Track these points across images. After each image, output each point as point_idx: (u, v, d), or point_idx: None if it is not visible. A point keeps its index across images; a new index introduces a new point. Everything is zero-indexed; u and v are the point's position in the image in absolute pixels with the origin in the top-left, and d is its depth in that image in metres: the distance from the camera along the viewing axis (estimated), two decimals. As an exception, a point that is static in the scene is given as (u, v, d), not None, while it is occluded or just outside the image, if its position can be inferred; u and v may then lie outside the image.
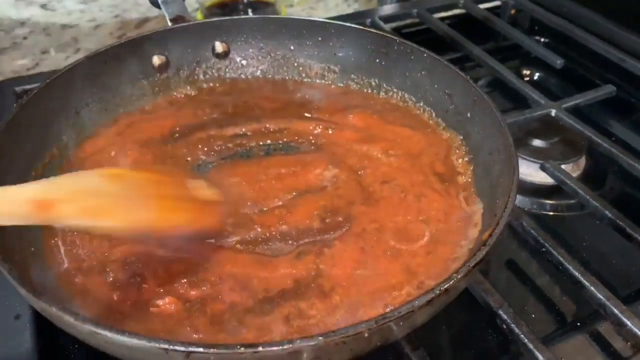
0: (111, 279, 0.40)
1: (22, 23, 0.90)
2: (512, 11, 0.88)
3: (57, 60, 0.81)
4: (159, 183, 0.39)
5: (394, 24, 0.81)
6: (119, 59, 0.55)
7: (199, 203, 0.41)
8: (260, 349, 0.28)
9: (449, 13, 0.86)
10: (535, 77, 0.82)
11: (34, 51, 0.83)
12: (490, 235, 0.35)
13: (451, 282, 0.32)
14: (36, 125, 0.47)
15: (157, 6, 0.61)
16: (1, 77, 0.77)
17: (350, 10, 0.96)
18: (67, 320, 0.29)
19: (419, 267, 0.42)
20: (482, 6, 0.87)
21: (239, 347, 0.28)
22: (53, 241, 0.43)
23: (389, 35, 0.57)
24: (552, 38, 0.86)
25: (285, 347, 0.28)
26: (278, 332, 0.37)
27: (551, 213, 0.59)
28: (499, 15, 0.88)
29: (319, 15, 0.95)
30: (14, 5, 0.95)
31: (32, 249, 0.41)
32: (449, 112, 0.54)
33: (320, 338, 0.29)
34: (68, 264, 0.41)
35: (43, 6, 0.95)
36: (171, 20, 0.59)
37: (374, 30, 0.58)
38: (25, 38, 0.86)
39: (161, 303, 0.38)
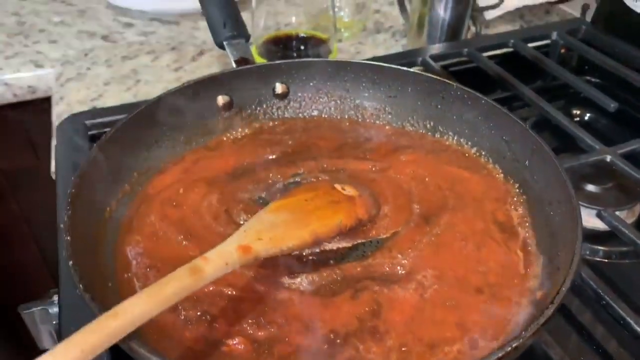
0: (183, 316, 0.42)
1: (86, 54, 0.95)
2: (562, 50, 0.88)
3: (119, 92, 0.85)
4: (313, 198, 0.49)
5: (443, 62, 0.82)
6: (187, 98, 0.58)
7: (347, 200, 0.49)
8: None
9: (498, 52, 0.87)
10: (586, 118, 0.82)
11: (96, 82, 0.87)
12: (557, 293, 0.36)
13: (520, 341, 0.33)
14: (112, 163, 0.50)
15: (222, 48, 0.64)
16: (68, 107, 0.82)
17: (398, 46, 0.98)
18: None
19: (474, 325, 0.42)
20: (532, 45, 0.88)
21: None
22: (127, 276, 0.45)
23: (446, 80, 0.59)
24: (602, 78, 0.86)
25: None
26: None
27: (605, 260, 0.59)
28: (547, 54, 0.88)
29: (368, 50, 0.97)
30: (78, 36, 1.00)
31: (109, 284, 0.43)
32: (507, 159, 0.54)
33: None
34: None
35: (105, 37, 1.00)
36: (235, 62, 0.62)
37: (432, 76, 0.60)
38: (88, 69, 0.91)
39: (231, 343, 0.40)
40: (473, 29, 0.97)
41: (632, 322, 0.44)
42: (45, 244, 1.17)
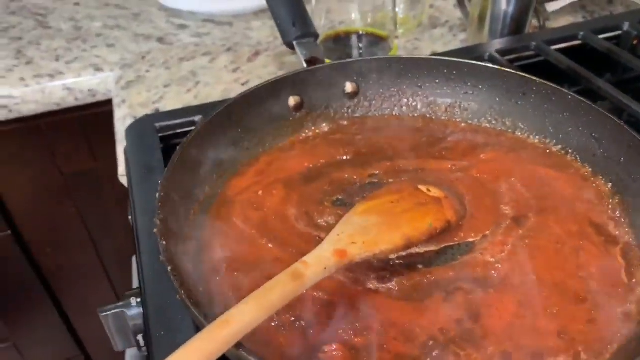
0: (276, 322, 0.41)
1: (143, 57, 0.95)
2: (634, 41, 0.84)
3: (179, 93, 0.85)
4: (399, 200, 0.47)
5: (509, 57, 0.80)
6: (260, 100, 0.57)
7: (433, 202, 0.48)
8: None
9: (566, 45, 0.84)
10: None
11: (156, 84, 0.88)
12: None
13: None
14: (194, 165, 0.50)
15: (292, 47, 0.63)
16: (130, 110, 0.83)
17: (457, 41, 0.95)
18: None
19: (578, 335, 0.40)
20: (601, 36, 0.84)
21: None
22: (217, 279, 0.44)
23: (526, 75, 0.56)
24: (680, 69, 0.81)
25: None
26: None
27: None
28: (618, 45, 0.84)
29: (426, 46, 0.95)
30: (134, 39, 1.01)
31: (200, 289, 0.43)
32: (597, 157, 0.52)
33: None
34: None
35: (160, 40, 1.01)
36: (306, 61, 0.61)
37: (511, 71, 0.57)
38: (147, 72, 0.91)
39: (328, 350, 0.39)
40: (535, 22, 0.93)
41: None
42: (102, 246, 1.19)
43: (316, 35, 0.63)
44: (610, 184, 0.50)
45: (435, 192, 0.49)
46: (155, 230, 0.41)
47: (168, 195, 0.44)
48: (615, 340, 0.39)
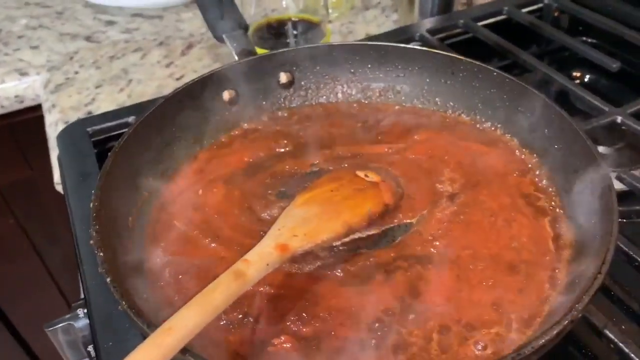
0: (224, 321, 0.41)
1: (71, 58, 0.92)
2: (555, 13, 0.88)
3: (112, 93, 0.83)
4: (338, 188, 0.48)
5: (439, 35, 0.81)
6: (193, 96, 0.56)
7: (371, 187, 0.49)
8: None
9: (492, 20, 0.86)
10: (586, 80, 0.82)
11: (87, 85, 0.85)
12: (602, 263, 0.36)
13: (574, 315, 0.33)
14: (127, 171, 0.49)
15: (221, 40, 0.62)
16: (62, 115, 0.79)
17: (389, 22, 0.97)
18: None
19: (510, 305, 0.41)
20: (524, 10, 0.87)
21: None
22: (161, 284, 0.44)
23: (454, 55, 0.58)
24: (598, 38, 0.86)
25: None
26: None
27: (625, 220, 0.59)
28: (541, 18, 0.88)
29: (359, 29, 0.95)
30: (60, 39, 0.97)
31: (144, 295, 0.42)
32: (524, 130, 0.54)
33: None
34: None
35: (87, 38, 0.97)
36: (237, 54, 0.60)
37: (438, 51, 0.59)
38: (76, 73, 0.88)
39: (277, 342, 0.40)
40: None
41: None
42: (48, 255, 1.15)
43: (246, 27, 0.63)
44: (538, 155, 0.53)
45: (372, 176, 0.50)
46: (91, 241, 0.40)
47: (103, 204, 0.43)
48: (545, 305, 0.41)
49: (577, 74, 0.83)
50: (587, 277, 0.37)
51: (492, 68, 0.55)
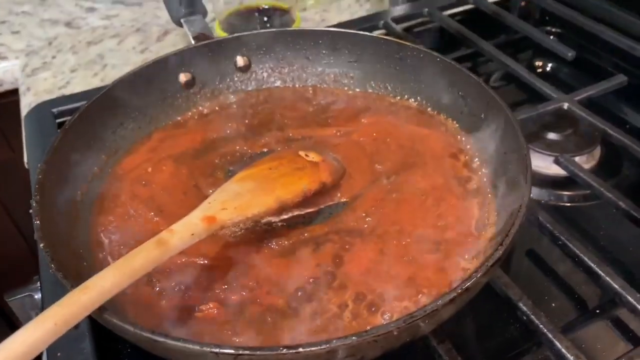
0: (158, 288, 0.44)
1: (50, 43, 0.94)
2: (522, 3, 0.89)
3: (86, 77, 0.85)
4: (277, 166, 0.50)
5: (406, 24, 0.83)
6: (148, 78, 0.58)
7: (311, 166, 0.51)
8: (300, 349, 0.32)
9: (459, 9, 0.88)
10: (548, 69, 0.83)
11: (63, 70, 0.87)
12: (506, 235, 0.38)
13: (472, 281, 0.35)
14: (79, 147, 0.51)
15: (180, 25, 0.64)
16: (35, 97, 0.82)
17: (362, 11, 0.98)
18: (128, 330, 0.33)
19: (424, 281, 0.43)
20: (491, 0, 0.89)
21: (281, 348, 0.32)
22: (101, 255, 0.46)
23: (401, 42, 0.60)
24: (563, 28, 0.87)
25: (324, 347, 0.31)
26: (305, 330, 0.40)
27: (568, 204, 0.61)
28: (508, 8, 0.89)
29: (333, 17, 0.97)
30: (40, 25, 0.99)
31: (85, 263, 0.45)
32: (464, 114, 0.56)
33: (354, 338, 0.32)
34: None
35: (68, 24, 0.99)
36: (194, 38, 0.62)
37: (387, 38, 0.61)
38: (54, 57, 0.90)
39: (204, 308, 0.42)
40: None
41: (585, 258, 0.47)
42: (29, 233, 1.17)
43: (204, 12, 0.65)
44: (475, 138, 0.55)
45: (313, 156, 0.52)
46: (30, 210, 0.42)
47: (47, 177, 0.46)
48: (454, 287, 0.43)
49: (539, 63, 0.84)
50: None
51: (435, 53, 0.57)
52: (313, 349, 0.31)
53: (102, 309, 0.35)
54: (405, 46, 0.59)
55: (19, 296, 0.59)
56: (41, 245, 0.39)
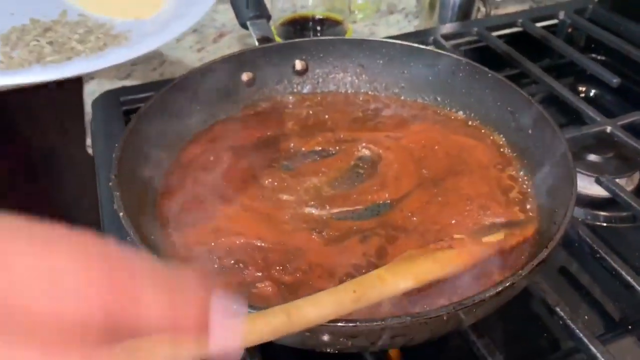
0: (217, 265, 0.47)
1: (113, 37, 1.00)
2: (569, 29, 0.92)
3: (145, 71, 0.90)
4: None
5: (454, 41, 0.86)
6: (214, 74, 0.63)
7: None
8: (358, 324, 0.35)
9: (508, 31, 0.91)
10: (591, 94, 0.85)
11: (124, 63, 0.92)
12: (552, 239, 0.40)
13: (517, 278, 0.38)
14: (149, 132, 0.55)
15: (246, 28, 0.68)
16: (98, 86, 0.87)
17: (411, 27, 1.02)
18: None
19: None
20: (540, 24, 0.91)
21: (341, 322, 0.35)
22: (168, 231, 0.50)
23: (455, 56, 0.63)
24: (608, 56, 0.89)
25: (380, 323, 0.34)
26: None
27: (605, 224, 0.63)
28: (555, 32, 0.92)
29: (381, 31, 1.01)
30: (105, 20, 1.05)
31: (152, 237, 0.49)
32: (511, 128, 0.59)
33: (408, 318, 0.35)
34: (183, 252, 0.48)
35: (130, 21, 1.05)
36: (258, 40, 0.66)
37: (442, 52, 0.64)
38: (116, 51, 0.96)
39: (260, 286, 0.45)
40: (483, 10, 1.00)
41: (623, 272, 0.49)
42: (77, 219, 1.23)
43: (268, 17, 0.69)
44: (521, 152, 0.57)
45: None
46: (110, 183, 0.46)
47: (124, 155, 0.50)
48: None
49: (583, 88, 0.86)
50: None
51: (487, 70, 0.60)
52: (372, 324, 0.34)
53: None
54: (459, 61, 0.62)
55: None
56: (121, 214, 0.43)
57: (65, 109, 1.07)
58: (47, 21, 0.74)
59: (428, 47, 0.65)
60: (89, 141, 0.80)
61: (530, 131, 0.56)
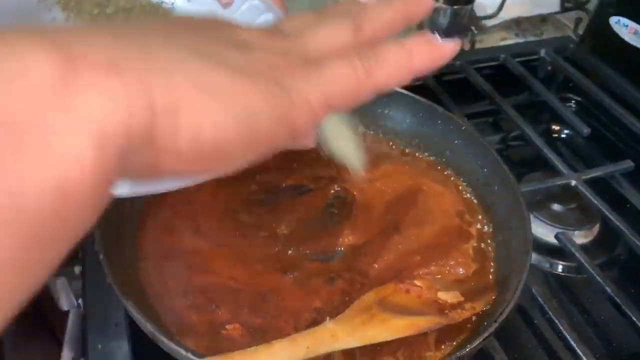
0: (190, 302, 0.50)
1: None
2: (548, 67, 0.95)
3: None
4: None
5: (436, 72, 0.89)
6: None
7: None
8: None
9: (488, 64, 0.93)
10: (563, 135, 0.89)
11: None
12: (501, 314, 0.44)
13: (466, 350, 0.41)
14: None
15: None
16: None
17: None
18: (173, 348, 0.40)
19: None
20: (523, 59, 0.94)
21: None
22: (144, 264, 0.53)
23: (433, 105, 0.65)
24: (584, 97, 0.92)
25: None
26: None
27: (562, 274, 0.67)
28: (535, 68, 0.95)
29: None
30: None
31: (129, 270, 0.51)
32: (479, 182, 0.62)
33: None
34: (159, 287, 0.51)
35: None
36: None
37: (421, 99, 0.66)
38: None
39: (229, 327, 0.48)
40: (467, 43, 1.02)
41: (568, 337, 0.53)
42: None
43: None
44: (486, 206, 0.61)
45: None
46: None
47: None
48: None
49: (556, 127, 0.89)
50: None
51: (461, 122, 0.63)
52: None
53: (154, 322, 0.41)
54: (435, 109, 0.65)
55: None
56: (101, 256, 0.46)
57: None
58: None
59: (407, 92, 0.67)
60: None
61: (495, 187, 0.59)
